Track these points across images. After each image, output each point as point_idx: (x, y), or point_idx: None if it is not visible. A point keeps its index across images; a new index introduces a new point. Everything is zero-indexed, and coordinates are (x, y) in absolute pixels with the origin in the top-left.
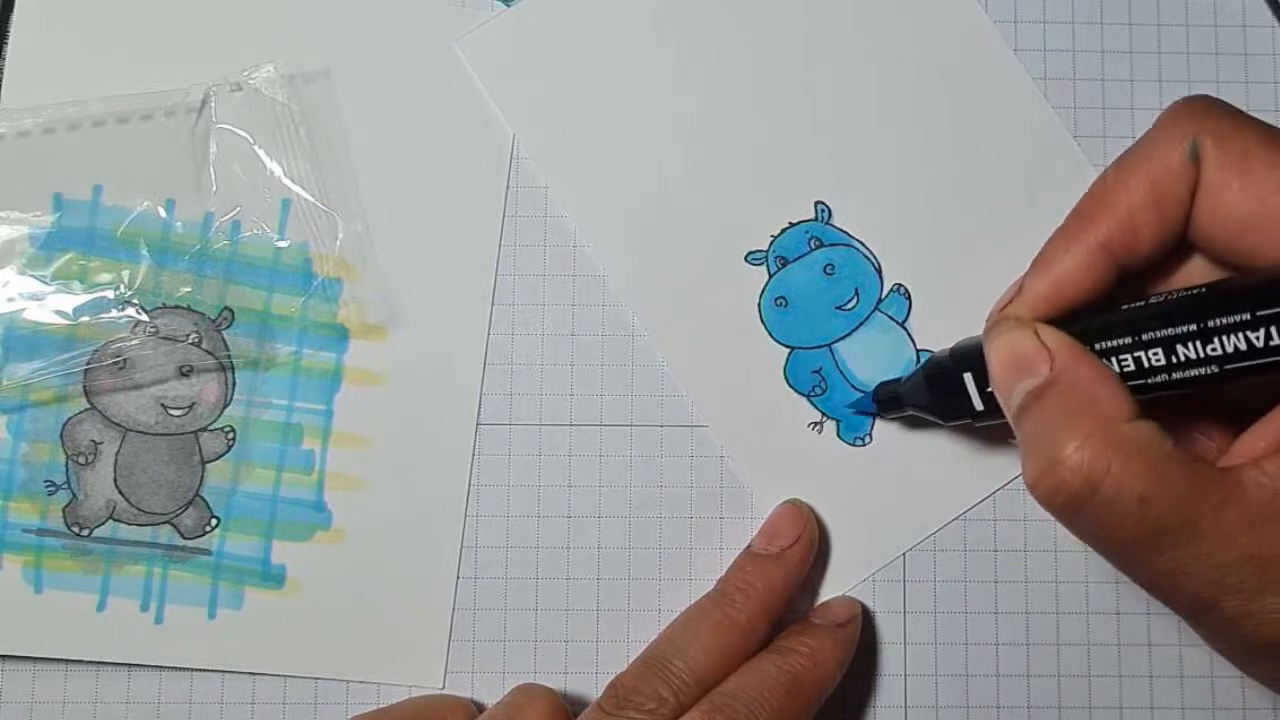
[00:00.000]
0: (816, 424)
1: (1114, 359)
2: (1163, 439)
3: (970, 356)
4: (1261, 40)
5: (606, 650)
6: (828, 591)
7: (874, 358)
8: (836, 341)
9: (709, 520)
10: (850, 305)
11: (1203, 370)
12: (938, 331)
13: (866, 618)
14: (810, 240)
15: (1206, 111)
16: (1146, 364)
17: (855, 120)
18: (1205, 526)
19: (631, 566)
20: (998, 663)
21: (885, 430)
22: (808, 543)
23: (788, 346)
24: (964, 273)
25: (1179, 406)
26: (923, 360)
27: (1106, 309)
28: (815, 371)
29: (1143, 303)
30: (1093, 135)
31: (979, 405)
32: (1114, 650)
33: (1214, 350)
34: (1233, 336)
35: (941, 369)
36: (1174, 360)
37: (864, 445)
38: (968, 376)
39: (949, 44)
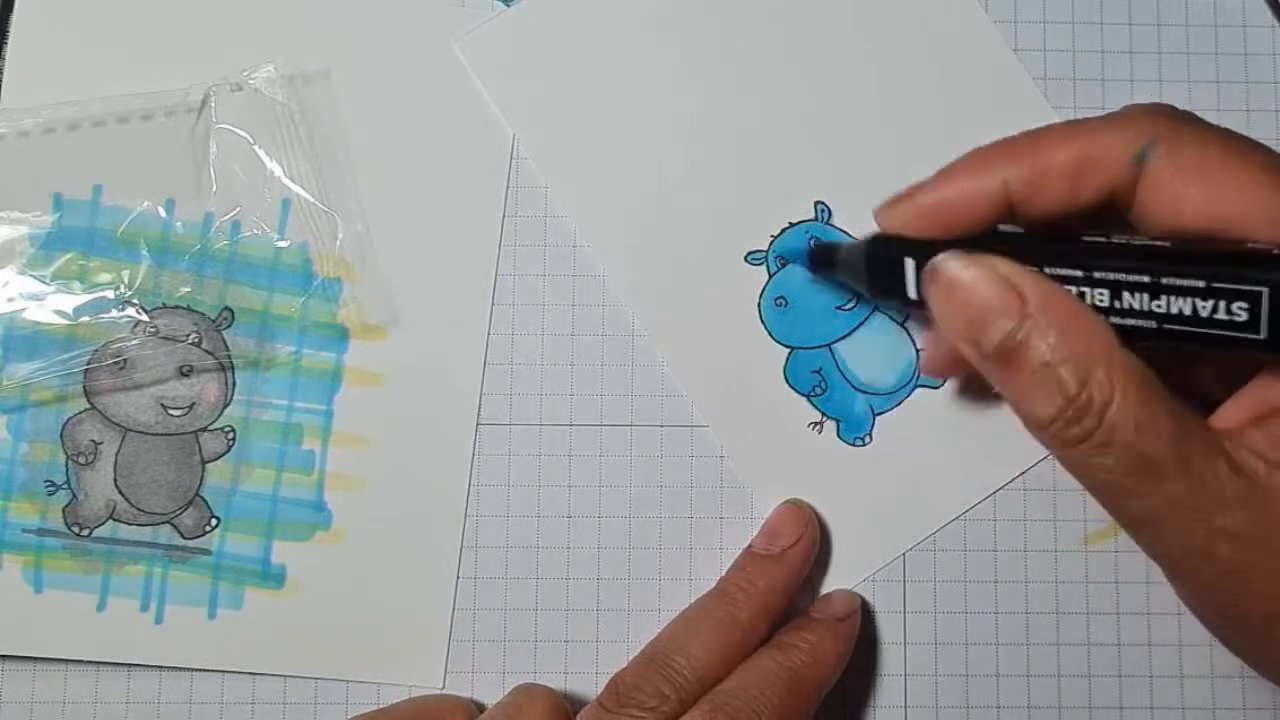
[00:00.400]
0: (816, 424)
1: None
2: (1152, 374)
3: (916, 245)
4: (1261, 40)
5: (606, 650)
6: (828, 591)
7: (874, 358)
8: (836, 341)
9: (709, 520)
10: (850, 305)
11: (1141, 323)
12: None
13: (866, 617)
14: (810, 240)
15: (1168, 117)
16: (1088, 301)
17: (855, 120)
18: (1197, 465)
19: (631, 566)
20: (998, 663)
21: (885, 430)
22: (809, 543)
23: (788, 346)
24: None
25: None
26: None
27: (1064, 238)
28: (815, 371)
29: (1102, 239)
30: None
31: (913, 294)
32: (1114, 650)
33: (1159, 307)
34: (1180, 299)
35: (885, 245)
36: (1115, 305)
37: (864, 445)
38: (909, 262)
39: (949, 44)
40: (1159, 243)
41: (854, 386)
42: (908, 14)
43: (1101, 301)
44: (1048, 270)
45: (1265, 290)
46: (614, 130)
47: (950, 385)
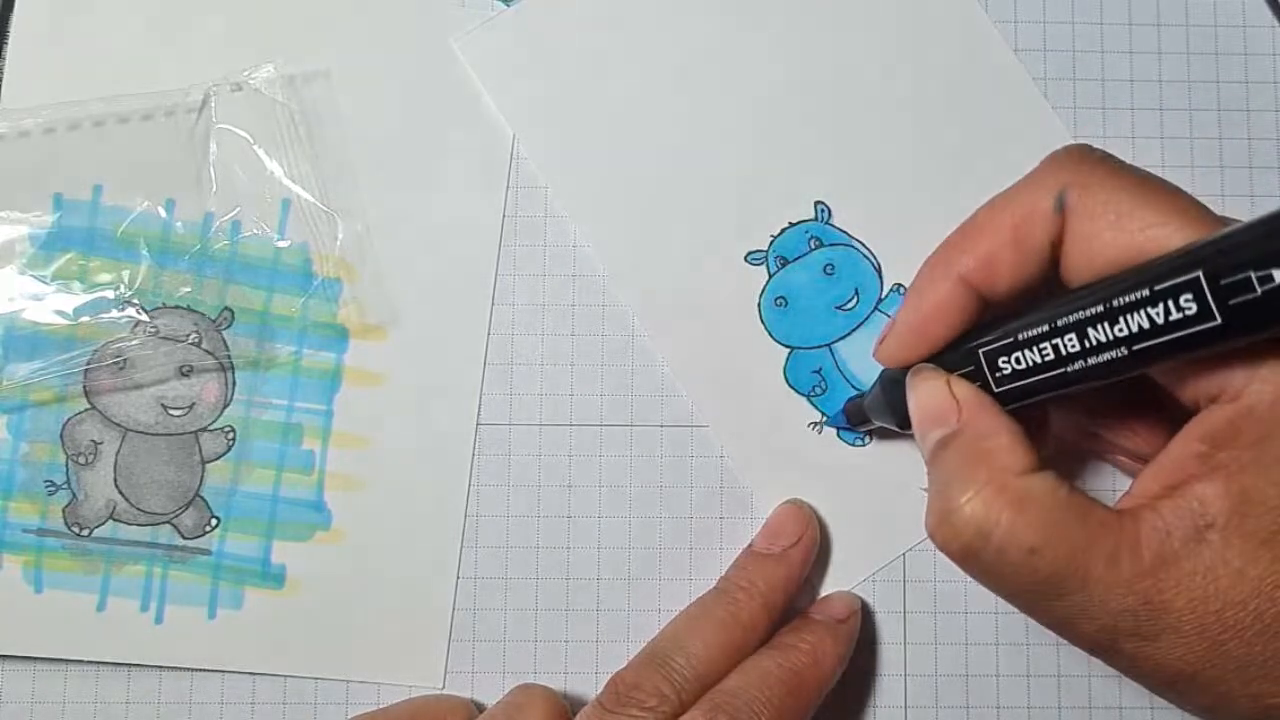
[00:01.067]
0: (816, 424)
1: (1035, 348)
2: (1057, 488)
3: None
4: (1261, 40)
5: (606, 650)
6: (828, 591)
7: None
8: (836, 341)
9: (709, 520)
10: (850, 305)
11: (1115, 353)
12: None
13: (866, 617)
14: (810, 240)
15: (1080, 161)
16: (1064, 350)
17: (855, 120)
18: (1096, 575)
19: (631, 566)
20: (998, 663)
21: (885, 430)
22: (809, 543)
23: (788, 346)
24: None
25: (1109, 422)
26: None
27: (1033, 309)
28: (815, 371)
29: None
30: (1093, 135)
31: None
32: None
33: (1121, 331)
34: (1135, 315)
35: (895, 381)
36: (1087, 344)
37: (864, 445)
38: None
39: (949, 44)
40: (1105, 278)
41: (854, 387)
42: (908, 14)
43: (1073, 346)
44: (1021, 335)
45: (1199, 273)
46: (614, 130)
47: None
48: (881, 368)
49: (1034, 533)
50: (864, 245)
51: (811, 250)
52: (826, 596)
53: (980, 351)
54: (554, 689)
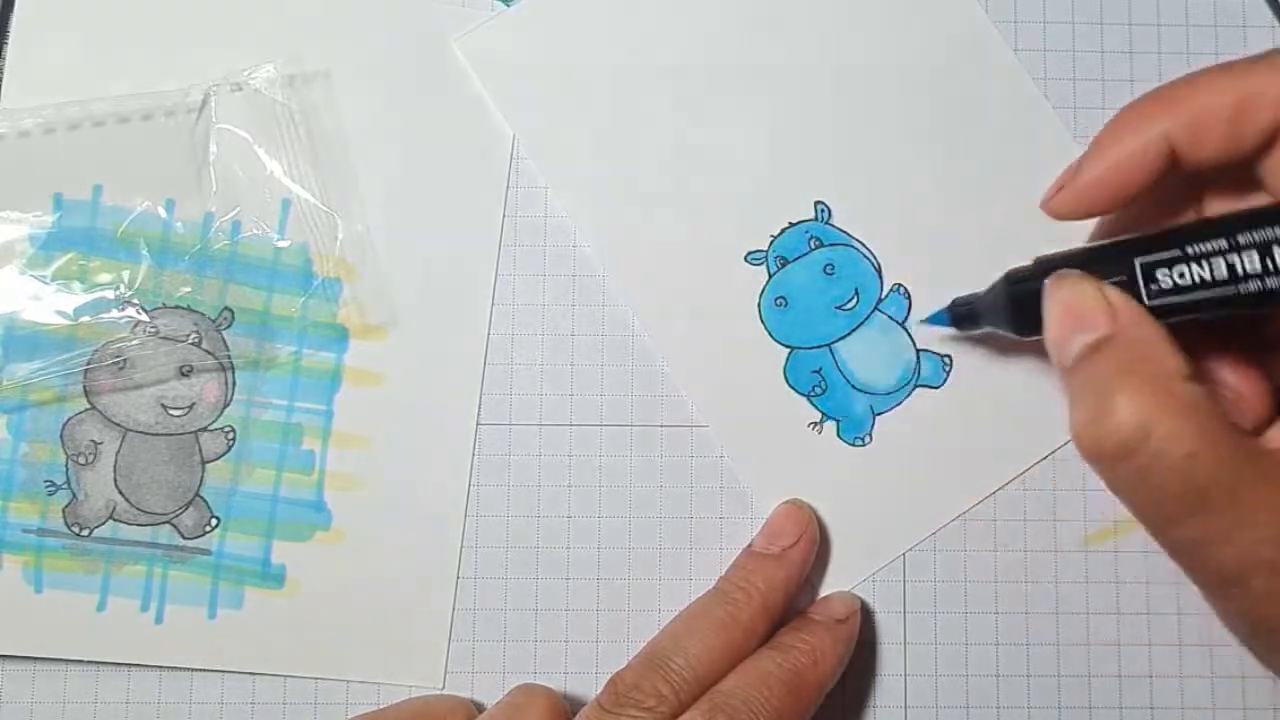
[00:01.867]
0: (816, 424)
1: (1206, 263)
2: (1213, 404)
3: (1051, 266)
4: (1261, 40)
5: (606, 650)
6: (828, 591)
7: (874, 358)
8: (836, 341)
9: (709, 520)
10: (850, 305)
11: None
12: (937, 331)
13: (866, 617)
14: (810, 240)
15: None
16: (1241, 269)
17: (855, 120)
18: (1244, 496)
19: (631, 566)
20: (998, 663)
21: (885, 430)
22: (809, 543)
23: (787, 346)
24: (964, 273)
25: (1217, 359)
26: (922, 370)
27: (1197, 221)
28: (815, 371)
29: (1233, 213)
30: (1092, 135)
31: None
32: (1114, 650)
33: None
34: None
35: (1022, 279)
36: (1269, 265)
37: (864, 445)
38: (1047, 284)
39: (949, 44)
40: None
41: (854, 386)
42: (908, 14)
43: (1252, 267)
44: (1189, 248)
45: None
46: (614, 130)
47: (950, 385)
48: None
49: (1194, 438)
50: (864, 245)
51: (811, 250)
52: (826, 597)
53: (1138, 261)
54: (554, 689)
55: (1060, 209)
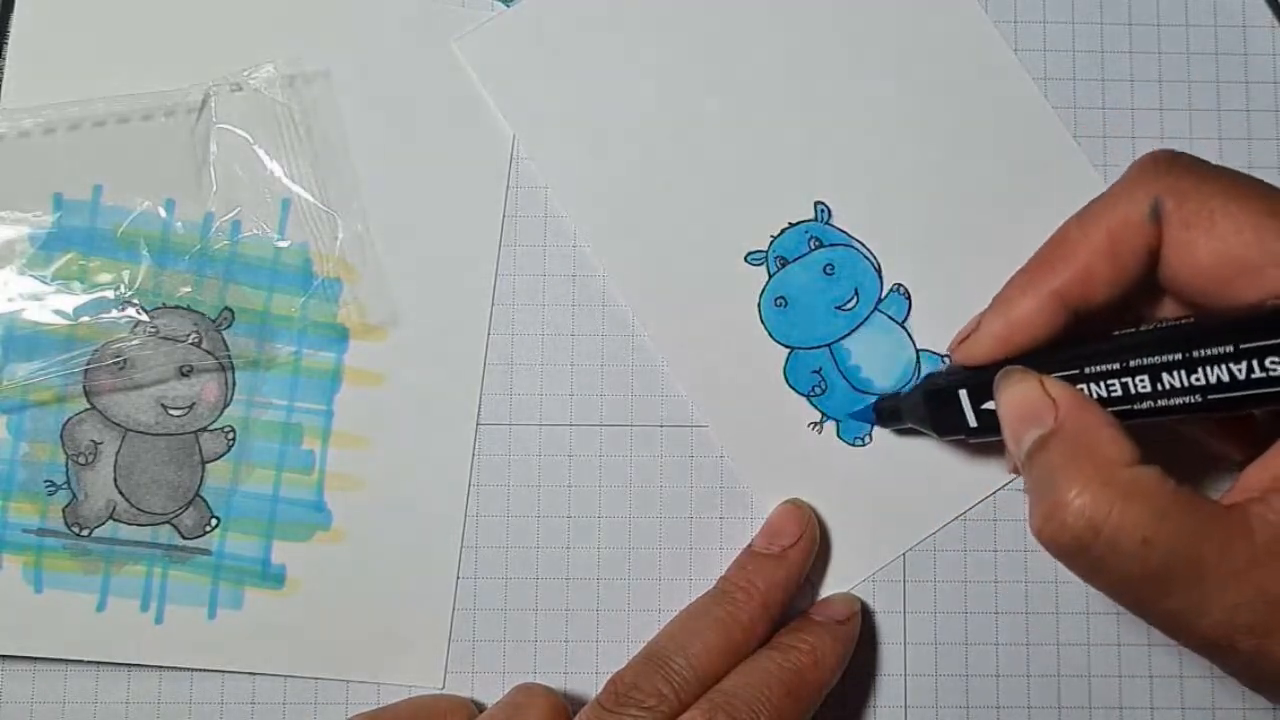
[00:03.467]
0: (816, 424)
1: (1102, 383)
2: (1164, 481)
3: (966, 376)
4: (1261, 40)
5: (606, 650)
6: (828, 591)
7: (874, 358)
8: (836, 341)
9: (709, 520)
10: (850, 305)
11: (1188, 399)
12: (937, 331)
13: (866, 617)
14: (810, 240)
15: (1170, 168)
16: (1133, 390)
17: (855, 120)
18: (1210, 566)
19: (631, 566)
20: (998, 663)
21: (885, 431)
22: (809, 542)
23: (787, 346)
24: (964, 273)
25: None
26: (922, 369)
27: (1100, 337)
28: (815, 371)
29: (1133, 330)
30: (1093, 135)
31: (973, 423)
32: (1114, 650)
33: (1198, 380)
34: (1216, 368)
35: (938, 387)
36: (1159, 388)
37: (864, 445)
38: (963, 393)
39: (949, 44)
40: (1184, 321)
41: (854, 386)
42: (908, 14)
43: (1144, 387)
44: (1088, 369)
45: None
46: (614, 130)
47: None
48: (880, 385)
49: (1146, 524)
50: (864, 245)
51: (811, 250)
52: (827, 598)
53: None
54: (554, 689)
55: (964, 357)
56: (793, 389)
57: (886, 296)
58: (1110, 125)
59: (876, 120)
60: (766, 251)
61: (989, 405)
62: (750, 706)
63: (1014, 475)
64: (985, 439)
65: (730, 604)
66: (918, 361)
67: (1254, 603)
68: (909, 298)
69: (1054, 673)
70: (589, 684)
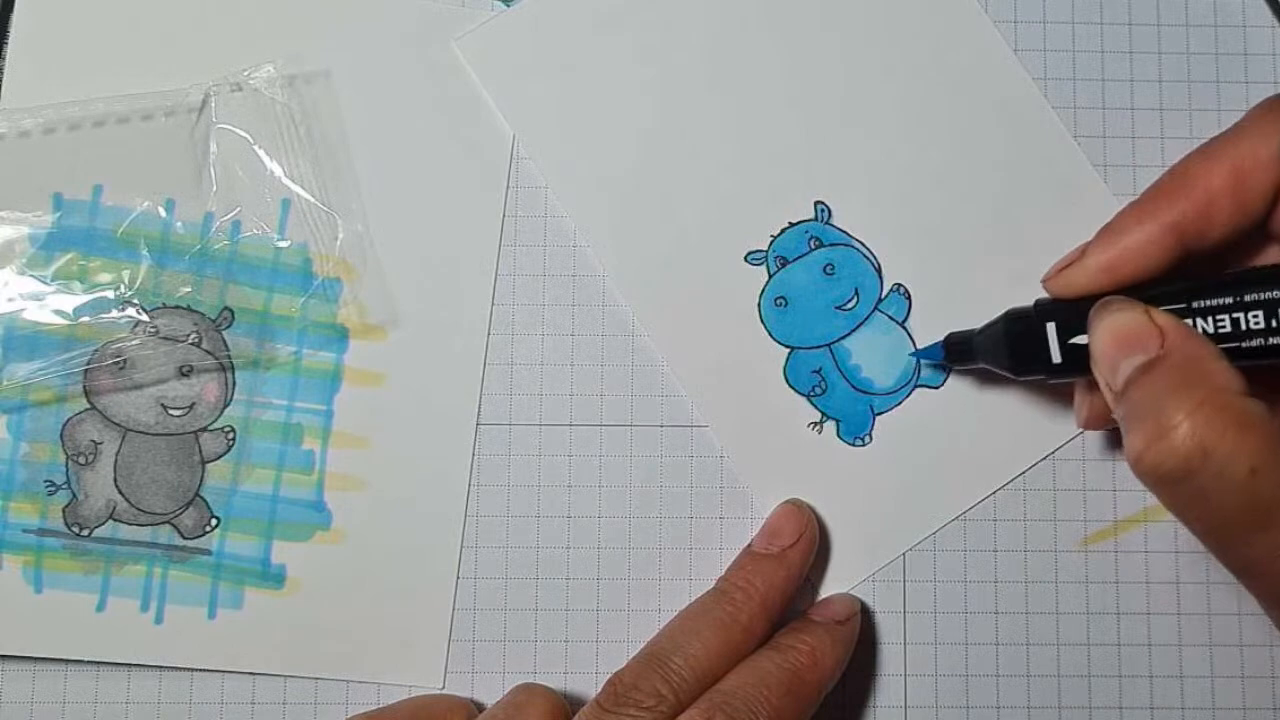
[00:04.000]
0: (816, 424)
1: (1211, 319)
2: (1273, 418)
3: (1055, 309)
4: (1261, 40)
5: (606, 650)
6: (828, 591)
7: (874, 358)
8: (836, 341)
9: (709, 520)
10: (850, 305)
11: None
12: (938, 331)
13: (866, 617)
14: (810, 240)
15: None
16: (1244, 325)
17: (855, 120)
18: None
19: (631, 566)
20: (998, 663)
21: (885, 430)
22: (808, 543)
23: (788, 346)
24: (964, 273)
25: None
26: (922, 370)
27: (1208, 274)
28: (815, 371)
29: (1245, 269)
30: (1093, 135)
31: (1057, 358)
32: (1114, 650)
33: None
34: None
35: (1023, 319)
36: (1273, 324)
37: (864, 445)
38: (1050, 326)
39: (949, 44)
40: None
41: (854, 386)
42: (908, 14)
43: (1256, 323)
44: (1196, 303)
45: None
46: (614, 130)
47: (950, 385)
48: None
49: (1258, 453)
50: (864, 245)
51: (811, 250)
52: (827, 598)
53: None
54: (554, 689)
55: (1062, 287)
56: (793, 389)
57: (886, 296)
58: (1110, 125)
59: (876, 120)
60: (767, 251)
61: (1078, 340)
62: (749, 706)
63: (1079, 431)
64: (1067, 378)
65: (729, 604)
66: (917, 361)
67: None
68: (909, 298)
69: (1054, 673)
70: (589, 684)
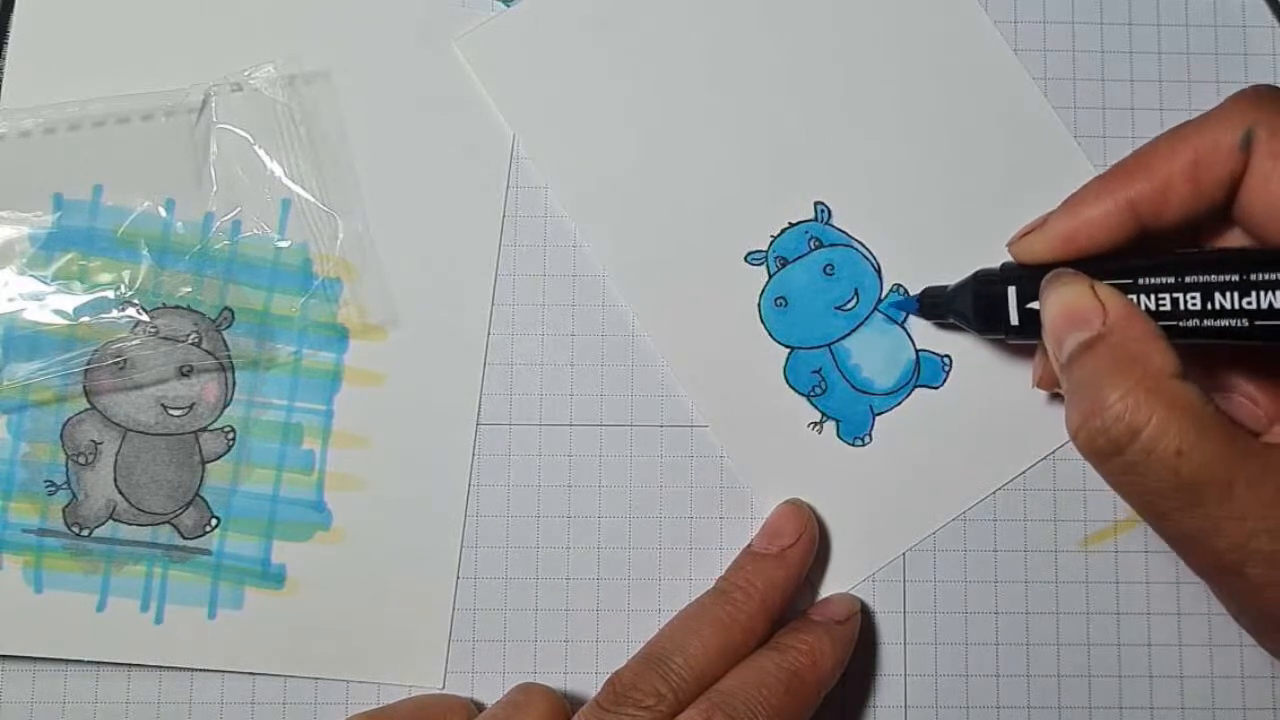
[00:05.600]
0: (816, 424)
1: (1153, 296)
2: (1206, 401)
3: (1018, 274)
4: (1261, 40)
5: (606, 650)
6: (828, 591)
7: (874, 357)
8: (836, 341)
9: (709, 520)
10: (850, 305)
11: (1234, 322)
12: (937, 331)
13: (866, 617)
14: (810, 240)
15: (1271, 101)
16: (1183, 306)
17: (855, 120)
18: (1239, 490)
19: (631, 566)
20: (998, 663)
21: (885, 430)
22: (808, 542)
23: (788, 346)
24: (963, 272)
25: (1230, 366)
26: (922, 370)
27: (1158, 251)
28: (815, 371)
29: (1195, 250)
30: (1093, 135)
31: (1015, 320)
32: (1114, 650)
33: (1249, 304)
34: (1270, 294)
35: (989, 281)
36: (1209, 307)
37: (864, 445)
38: (1011, 290)
39: (949, 44)
40: (1243, 248)
41: (854, 386)
42: (908, 14)
43: (1194, 304)
44: (1142, 280)
45: None
46: (614, 130)
47: (950, 385)
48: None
49: (1184, 435)
50: (864, 245)
51: (811, 250)
52: (827, 598)
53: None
54: (554, 689)
55: (1023, 252)
56: (793, 389)
57: (886, 296)
58: (1110, 125)
59: (876, 120)
60: (766, 251)
61: (1034, 305)
62: (748, 706)
63: (1038, 389)
64: (1024, 340)
65: (729, 604)
66: (917, 362)
67: (1274, 532)
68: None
69: (1054, 673)
70: (589, 684)
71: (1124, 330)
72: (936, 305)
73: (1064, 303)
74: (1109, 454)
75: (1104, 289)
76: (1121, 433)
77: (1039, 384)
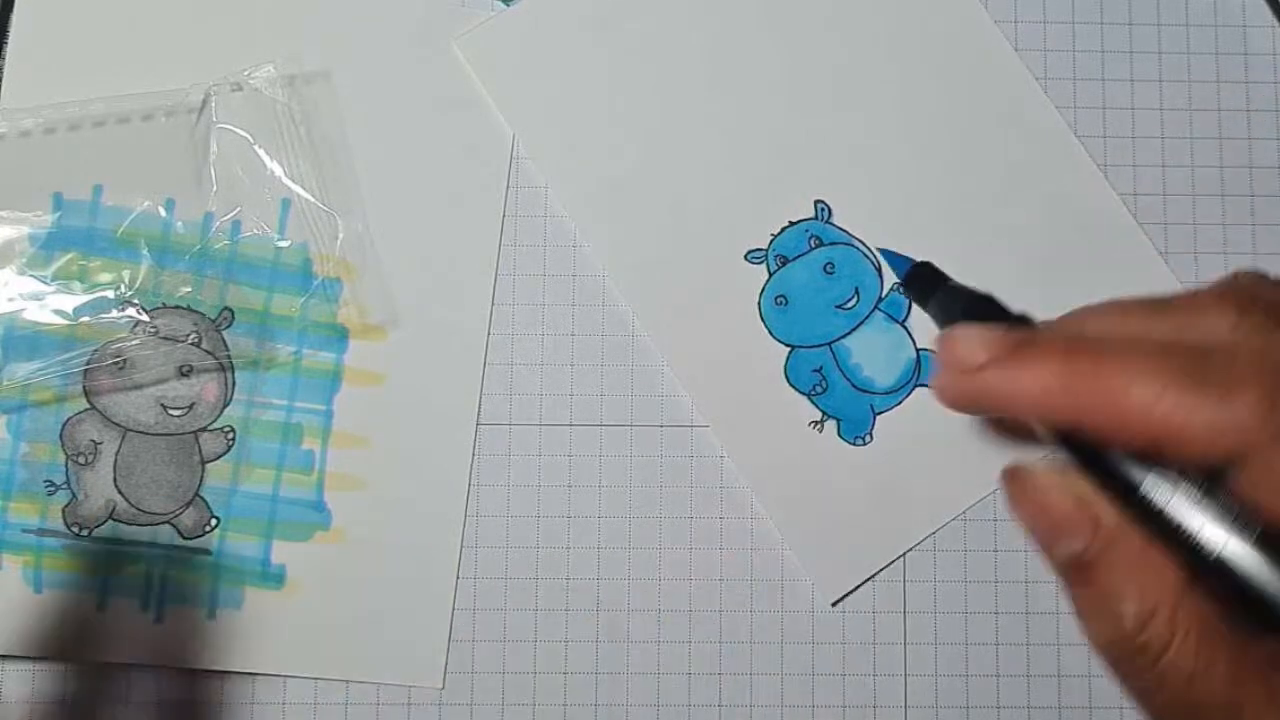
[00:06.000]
0: (816, 423)
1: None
2: (1215, 614)
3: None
4: (1261, 40)
5: (606, 650)
6: (827, 591)
7: (874, 356)
8: (837, 340)
9: (709, 520)
10: (850, 304)
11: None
12: (936, 332)
13: (866, 617)
14: (810, 239)
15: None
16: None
17: (855, 120)
18: (1249, 713)
19: (631, 566)
20: (998, 663)
21: (885, 430)
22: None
23: (788, 345)
24: (964, 273)
25: None
26: (922, 369)
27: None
28: (815, 370)
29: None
30: (1093, 135)
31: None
32: None
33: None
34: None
35: (979, 302)
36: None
37: (864, 445)
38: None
39: (949, 44)
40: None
41: (854, 385)
42: (908, 14)
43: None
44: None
45: None
46: (613, 130)
47: None
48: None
49: (1198, 658)
50: (864, 244)
51: (811, 249)
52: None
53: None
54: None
55: (948, 404)
56: (793, 388)
57: (886, 295)
58: (1110, 125)
59: (876, 120)
60: (767, 250)
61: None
62: None
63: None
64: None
65: None
66: (918, 361)
67: None
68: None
69: (1054, 673)
70: (589, 684)
71: (1127, 543)
72: (923, 292)
73: (1044, 507)
74: (1130, 672)
75: (1097, 500)
76: (1142, 654)
77: (940, 397)
